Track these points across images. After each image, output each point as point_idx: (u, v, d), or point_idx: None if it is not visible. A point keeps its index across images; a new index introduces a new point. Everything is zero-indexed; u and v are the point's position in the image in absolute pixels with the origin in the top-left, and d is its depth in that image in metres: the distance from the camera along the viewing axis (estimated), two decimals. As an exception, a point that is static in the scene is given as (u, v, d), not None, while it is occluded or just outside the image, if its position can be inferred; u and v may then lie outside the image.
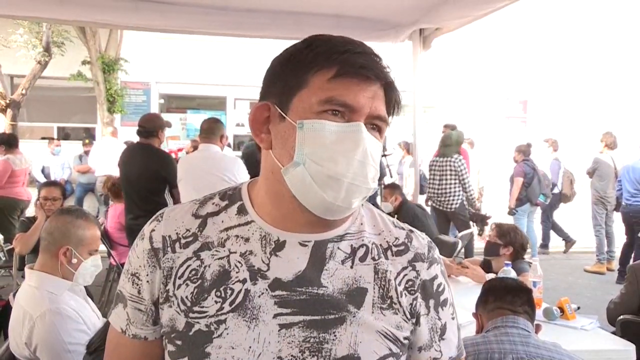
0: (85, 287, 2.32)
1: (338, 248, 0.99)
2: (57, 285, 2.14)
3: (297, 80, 0.93)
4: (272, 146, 0.96)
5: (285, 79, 0.94)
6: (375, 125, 0.95)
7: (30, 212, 6.60)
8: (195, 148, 9.59)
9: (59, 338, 1.98)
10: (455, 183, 6.48)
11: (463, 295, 3.27)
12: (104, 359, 1.10)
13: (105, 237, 5.05)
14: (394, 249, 1.03)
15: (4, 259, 5.85)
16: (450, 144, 6.68)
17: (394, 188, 5.83)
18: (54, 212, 3.21)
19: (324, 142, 0.89)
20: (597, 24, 15.97)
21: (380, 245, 1.02)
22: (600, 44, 16.52)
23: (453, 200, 6.50)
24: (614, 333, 3.18)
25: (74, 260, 2.19)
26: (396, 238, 1.04)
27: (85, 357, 2.01)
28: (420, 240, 1.06)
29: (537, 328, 2.19)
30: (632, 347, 2.75)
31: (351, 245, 1.00)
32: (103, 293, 5.07)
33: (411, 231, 1.07)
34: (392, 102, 0.97)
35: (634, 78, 16.74)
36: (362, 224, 1.03)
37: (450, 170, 6.49)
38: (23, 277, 2.31)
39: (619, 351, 2.75)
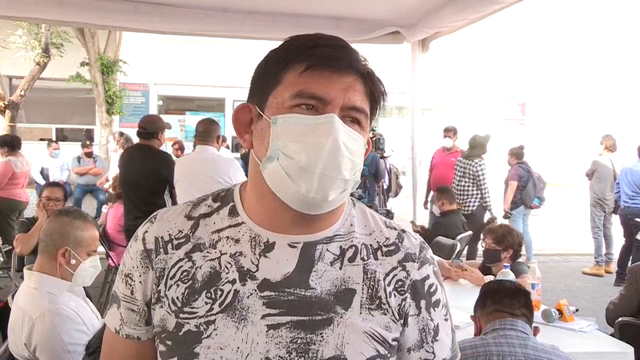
0: (84, 287, 2.32)
1: (327, 250, 0.98)
2: (57, 286, 2.14)
3: (273, 78, 0.94)
4: (253, 145, 0.98)
5: (263, 79, 0.96)
6: (353, 117, 0.94)
7: (29, 213, 6.60)
8: (181, 149, 9.53)
9: (59, 338, 1.98)
10: (471, 185, 6.62)
11: (461, 298, 3.27)
12: (100, 358, 1.10)
13: (104, 238, 5.04)
14: (384, 249, 1.02)
15: (2, 260, 5.84)
16: (474, 147, 6.76)
17: (442, 192, 5.90)
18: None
19: (295, 135, 0.90)
20: (596, 26, 16.01)
21: (370, 245, 1.02)
22: (599, 46, 16.56)
23: (469, 201, 6.65)
24: (612, 335, 3.18)
25: (73, 261, 2.19)
26: (387, 238, 1.04)
27: (84, 358, 2.01)
28: (412, 241, 1.05)
29: (536, 330, 2.19)
30: (630, 350, 2.76)
31: (340, 246, 1.00)
32: (102, 294, 5.06)
33: (403, 231, 1.07)
34: (371, 93, 0.97)
35: (632, 81, 16.78)
36: (352, 224, 1.03)
37: (469, 172, 6.61)
38: (22, 278, 2.31)
39: (617, 353, 2.75)
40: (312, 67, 0.91)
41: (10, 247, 4.88)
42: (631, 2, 15.27)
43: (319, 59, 0.91)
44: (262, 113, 0.95)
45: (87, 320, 2.10)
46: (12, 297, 2.25)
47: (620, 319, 3.34)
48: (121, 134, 7.93)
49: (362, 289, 0.97)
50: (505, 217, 7.56)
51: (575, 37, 16.08)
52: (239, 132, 1.01)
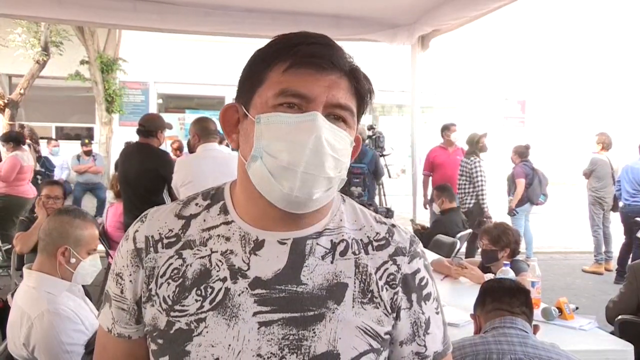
0: (84, 286, 2.32)
1: (317, 244, 0.98)
2: (56, 286, 2.14)
3: (257, 77, 0.95)
4: (239, 145, 0.99)
5: (249, 79, 0.97)
6: (338, 115, 0.94)
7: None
8: (179, 149, 9.47)
9: (57, 338, 1.98)
10: (467, 183, 6.66)
11: (461, 296, 3.28)
12: (94, 357, 1.11)
13: (104, 236, 5.04)
14: (375, 243, 1.02)
15: (1, 259, 5.85)
16: (469, 144, 6.86)
17: (441, 190, 5.92)
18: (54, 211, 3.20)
19: (279, 134, 0.90)
20: (596, 24, 15.99)
21: (361, 240, 1.02)
22: (598, 45, 16.54)
23: (466, 199, 6.68)
24: (612, 333, 3.18)
25: (73, 260, 2.19)
26: (377, 233, 1.04)
27: (84, 357, 2.01)
28: (402, 235, 1.06)
29: (536, 328, 2.19)
30: (630, 348, 2.75)
31: (331, 240, 1.00)
32: (101, 293, 5.05)
33: (393, 226, 1.07)
34: (357, 91, 0.97)
35: (632, 78, 16.76)
36: (341, 219, 1.03)
37: (465, 170, 6.69)
38: (21, 276, 2.31)
39: (617, 351, 2.75)
40: (295, 66, 0.91)
41: (10, 245, 4.88)
42: (631, 2, 15.25)
43: (302, 57, 0.91)
44: (247, 112, 0.96)
45: (85, 320, 2.10)
46: (12, 295, 2.25)
47: (620, 316, 3.34)
48: (22, 126, 8.04)
49: (354, 283, 0.98)
50: (510, 214, 7.58)
51: (574, 35, 16.06)
52: (227, 132, 1.02)
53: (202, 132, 4.18)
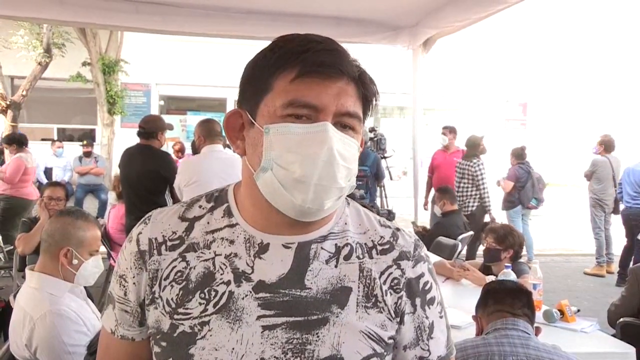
0: (86, 288, 2.32)
1: (322, 248, 0.98)
2: (58, 287, 2.14)
3: (263, 84, 0.93)
4: (246, 152, 0.97)
5: (253, 84, 0.95)
6: (346, 123, 0.93)
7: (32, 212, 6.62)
8: (181, 150, 9.47)
9: (59, 339, 1.98)
10: (470, 186, 6.67)
11: (463, 298, 3.28)
12: (97, 358, 1.11)
13: (106, 238, 5.04)
14: (379, 247, 1.02)
15: (3, 260, 5.85)
16: (469, 147, 6.89)
17: (443, 192, 5.93)
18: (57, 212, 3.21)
19: (289, 145, 0.89)
20: (597, 26, 15.99)
21: (365, 244, 1.02)
22: (599, 47, 16.54)
23: (469, 202, 6.70)
24: (614, 335, 3.17)
25: (75, 261, 2.19)
26: (381, 237, 1.03)
27: (86, 358, 2.01)
28: (407, 239, 1.05)
29: (537, 330, 2.19)
30: (632, 350, 2.75)
31: (335, 244, 0.99)
32: (103, 294, 5.05)
33: (397, 230, 1.06)
34: (364, 96, 0.95)
35: (633, 80, 16.76)
36: (346, 223, 1.03)
37: (468, 173, 6.67)
38: (23, 277, 2.31)
39: (618, 354, 2.75)
40: (303, 75, 0.89)
41: (13, 246, 4.89)
42: (631, 2, 15.25)
43: (310, 65, 0.89)
44: (253, 121, 0.94)
45: (87, 321, 2.10)
46: (14, 297, 2.25)
47: (621, 319, 3.33)
48: None
49: (358, 287, 0.97)
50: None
51: (576, 37, 16.06)
52: (231, 137, 1.00)
53: (207, 133, 4.19)
